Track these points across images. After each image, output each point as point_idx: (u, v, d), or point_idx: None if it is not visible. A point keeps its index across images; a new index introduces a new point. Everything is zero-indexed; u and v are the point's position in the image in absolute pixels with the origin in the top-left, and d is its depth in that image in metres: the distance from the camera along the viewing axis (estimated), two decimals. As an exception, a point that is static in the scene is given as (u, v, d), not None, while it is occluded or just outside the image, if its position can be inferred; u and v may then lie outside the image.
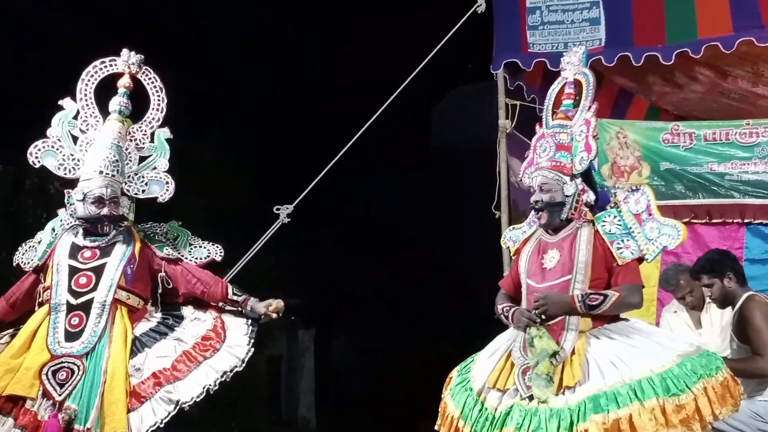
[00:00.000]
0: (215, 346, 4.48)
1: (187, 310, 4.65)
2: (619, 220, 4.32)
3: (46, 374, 4.27)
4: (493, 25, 6.96)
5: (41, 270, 4.58)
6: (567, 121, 4.44)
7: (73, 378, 4.27)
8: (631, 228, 4.29)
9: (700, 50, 6.33)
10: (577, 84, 4.54)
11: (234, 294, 4.66)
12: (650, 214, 4.31)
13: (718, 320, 5.49)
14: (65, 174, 4.67)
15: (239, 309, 4.64)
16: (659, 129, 6.74)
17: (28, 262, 4.62)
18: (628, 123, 6.98)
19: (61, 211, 4.72)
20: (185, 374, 4.39)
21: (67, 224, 4.63)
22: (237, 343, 4.51)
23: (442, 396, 4.39)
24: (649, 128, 6.80)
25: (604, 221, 4.32)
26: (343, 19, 12.68)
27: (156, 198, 4.73)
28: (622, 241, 4.26)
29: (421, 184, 14.06)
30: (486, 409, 4.11)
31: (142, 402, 4.31)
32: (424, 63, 7.13)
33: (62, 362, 4.30)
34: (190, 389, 4.36)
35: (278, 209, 6.96)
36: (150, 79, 4.85)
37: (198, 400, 4.35)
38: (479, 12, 7.01)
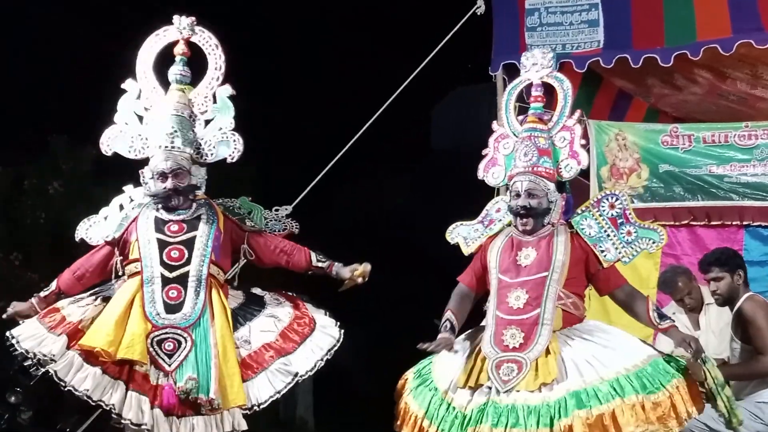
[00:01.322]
0: (310, 325, 4.48)
1: (259, 290, 4.65)
2: (593, 224, 4.38)
3: (151, 344, 4.23)
4: (492, 27, 6.96)
5: (116, 244, 4.52)
6: (541, 125, 4.45)
7: (181, 349, 4.24)
8: (606, 231, 4.36)
9: (699, 52, 6.32)
10: (546, 87, 4.56)
11: (318, 261, 4.66)
12: (627, 219, 4.39)
13: (716, 322, 5.50)
14: (135, 156, 4.61)
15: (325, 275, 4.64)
16: (658, 131, 6.74)
17: (96, 236, 4.55)
18: (627, 125, 6.99)
19: (127, 188, 4.67)
20: (294, 348, 4.38)
21: (144, 201, 4.56)
22: (327, 324, 4.51)
23: (400, 398, 4.36)
24: (648, 130, 6.81)
25: (582, 225, 4.38)
26: (342, 20, 12.68)
27: (225, 160, 4.67)
28: (603, 244, 4.35)
29: (421, 184, 14.05)
30: (454, 408, 4.12)
31: (256, 372, 4.31)
32: (423, 64, 7.14)
33: (167, 333, 4.26)
34: (304, 362, 4.36)
35: (277, 210, 6.95)
36: (204, 38, 4.75)
37: (311, 375, 4.36)
38: (478, 13, 7.01)
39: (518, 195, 4.31)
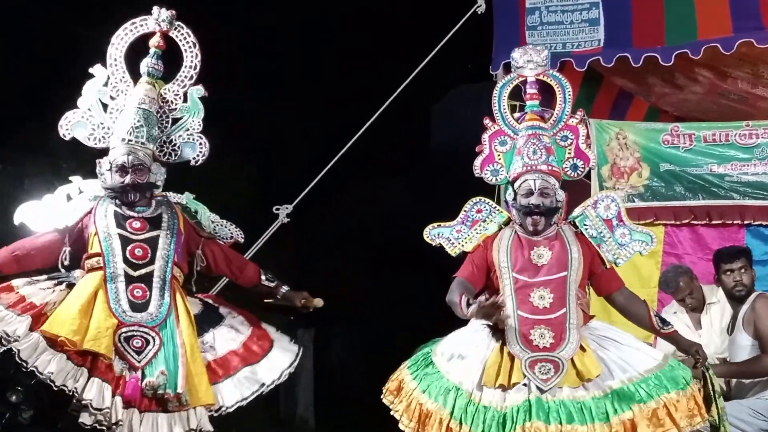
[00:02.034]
0: (269, 339, 4.45)
1: (210, 300, 4.58)
2: (591, 224, 4.43)
3: (119, 340, 4.13)
4: (492, 26, 6.95)
5: (69, 233, 4.35)
6: (542, 122, 4.46)
7: (149, 347, 4.14)
8: (601, 233, 4.41)
9: (700, 51, 6.31)
10: (541, 85, 4.56)
11: (267, 280, 4.63)
12: (621, 221, 4.43)
13: (718, 321, 5.51)
14: (95, 144, 4.48)
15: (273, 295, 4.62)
16: (659, 130, 6.74)
17: (41, 223, 4.36)
18: (628, 124, 6.99)
19: (75, 178, 4.53)
20: (257, 360, 4.34)
21: (98, 193, 4.44)
22: (284, 340, 4.49)
23: (406, 399, 4.18)
24: (649, 129, 6.80)
25: (585, 225, 4.42)
26: (343, 20, 12.66)
27: (189, 162, 4.56)
28: (603, 245, 4.40)
29: (421, 184, 14.03)
30: (488, 408, 4.03)
31: (221, 378, 4.25)
32: (423, 63, 7.13)
33: (134, 330, 4.16)
34: (269, 373, 4.32)
35: (277, 209, 6.95)
36: (182, 34, 4.62)
37: (278, 384, 4.32)
38: (479, 12, 7.00)
39: (530, 193, 4.29)
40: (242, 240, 4.69)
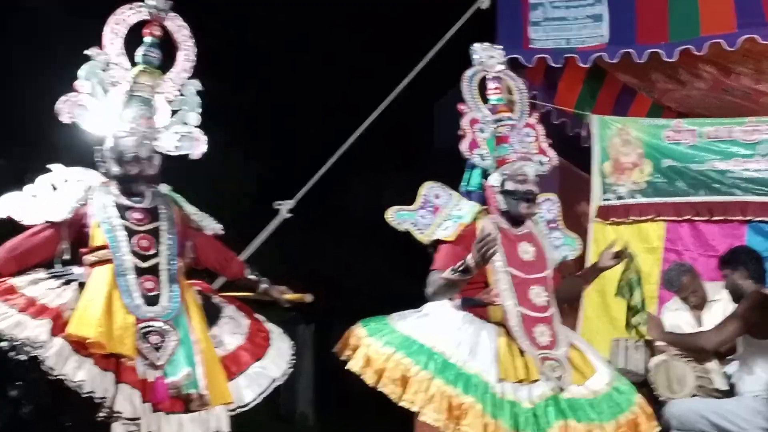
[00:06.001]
0: (267, 330, 4.41)
1: (199, 288, 4.48)
2: (542, 224, 4.51)
3: (137, 337, 3.98)
4: (496, 22, 6.93)
5: (65, 227, 4.17)
6: (512, 114, 4.50)
7: (166, 343, 4.02)
8: (544, 233, 4.48)
9: (703, 47, 6.28)
10: (500, 80, 4.62)
11: (251, 274, 4.59)
12: (557, 226, 4.54)
13: (720, 319, 5.49)
14: (100, 133, 4.33)
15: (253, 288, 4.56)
16: (662, 126, 6.74)
17: (32, 216, 4.16)
18: (631, 120, 6.99)
19: (57, 167, 4.34)
20: (263, 353, 4.29)
21: (91, 183, 4.30)
22: (276, 329, 4.45)
23: (423, 390, 3.98)
24: (652, 125, 6.80)
25: (539, 223, 4.48)
26: (345, 16, 12.66)
27: (188, 155, 4.48)
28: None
29: (423, 180, 14.07)
30: (511, 402, 3.93)
31: (235, 375, 4.18)
32: (426, 60, 7.11)
33: (150, 326, 4.03)
34: (275, 368, 4.27)
35: (279, 205, 6.93)
36: (178, 26, 4.51)
37: (285, 378, 4.28)
38: (482, 8, 6.98)
39: (525, 180, 4.27)
40: (223, 232, 4.58)
